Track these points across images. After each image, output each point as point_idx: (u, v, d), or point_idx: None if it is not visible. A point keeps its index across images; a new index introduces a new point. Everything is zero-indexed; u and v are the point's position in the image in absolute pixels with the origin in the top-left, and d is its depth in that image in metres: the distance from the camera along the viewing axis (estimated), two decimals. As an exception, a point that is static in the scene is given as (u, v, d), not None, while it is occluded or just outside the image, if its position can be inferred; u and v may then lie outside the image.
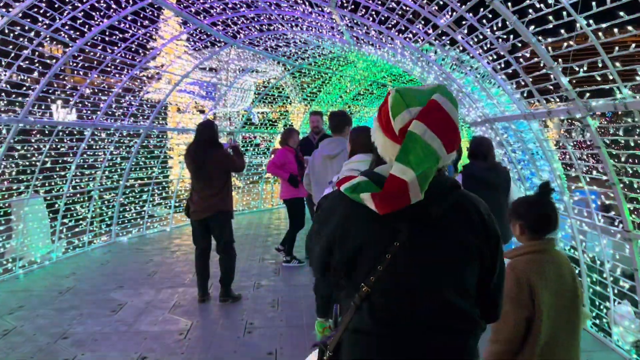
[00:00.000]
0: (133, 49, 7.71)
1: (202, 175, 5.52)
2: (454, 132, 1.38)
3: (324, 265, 1.54)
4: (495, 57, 5.05)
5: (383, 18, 6.04)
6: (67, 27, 6.28)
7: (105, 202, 9.65)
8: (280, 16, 8.23)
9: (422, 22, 5.51)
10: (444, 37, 5.48)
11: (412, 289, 1.38)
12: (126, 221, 10.00)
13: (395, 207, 1.32)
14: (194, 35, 8.56)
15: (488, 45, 4.81)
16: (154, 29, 7.72)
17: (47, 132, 7.78)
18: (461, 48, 5.36)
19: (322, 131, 7.65)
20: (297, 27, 8.91)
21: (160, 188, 11.50)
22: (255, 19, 8.53)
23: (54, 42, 6.45)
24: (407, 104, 1.37)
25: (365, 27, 6.98)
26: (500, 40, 4.61)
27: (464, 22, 4.79)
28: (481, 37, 4.81)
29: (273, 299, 6.01)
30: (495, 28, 4.45)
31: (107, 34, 7.00)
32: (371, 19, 6.23)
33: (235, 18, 8.33)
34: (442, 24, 5.13)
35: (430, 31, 5.56)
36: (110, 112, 8.55)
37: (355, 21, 6.72)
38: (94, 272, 7.38)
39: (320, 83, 13.67)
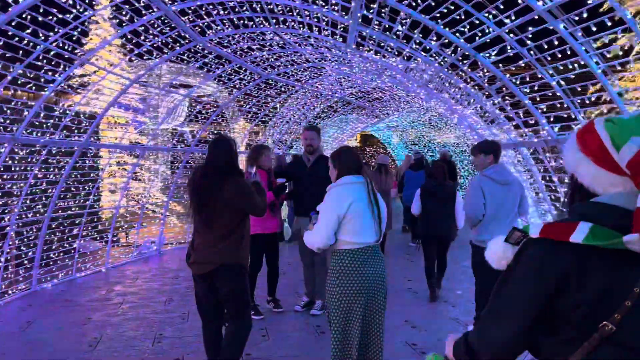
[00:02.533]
0: (74, 38, 5.69)
1: (207, 213, 3.81)
2: None
3: (531, 310, 1.35)
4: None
5: (433, 3, 4.58)
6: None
7: (25, 239, 7.37)
8: (269, 6, 6.57)
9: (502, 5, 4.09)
10: (530, 27, 4.09)
11: None
12: (51, 262, 7.74)
13: None
14: (155, 26, 6.65)
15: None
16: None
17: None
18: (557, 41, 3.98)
19: (319, 151, 6.05)
20: (285, 24, 7.28)
21: (96, 219, 9.29)
22: (236, 9, 6.78)
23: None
24: (629, 132, 1.28)
25: (389, 22, 5.50)
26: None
27: None
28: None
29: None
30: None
31: (41, 11, 4.97)
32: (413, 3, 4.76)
33: (211, 6, 6.54)
34: (540, 8, 3.73)
35: (507, 21, 4.15)
36: (37, 123, 6.40)
37: (382, 9, 5.22)
38: (9, 344, 5.19)
39: (286, 97, 12.04)
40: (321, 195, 5.90)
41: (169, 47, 7.46)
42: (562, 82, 4.35)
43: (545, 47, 4.09)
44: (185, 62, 8.29)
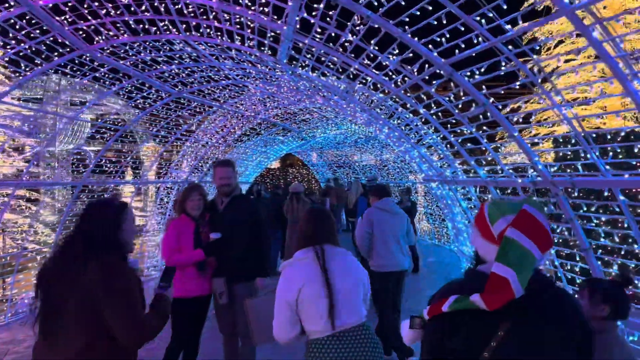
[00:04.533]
0: None
1: (48, 320, 2.30)
2: (546, 236, 1.60)
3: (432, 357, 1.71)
4: None
5: (403, 3, 3.34)
6: None
7: None
8: (177, 6, 5.06)
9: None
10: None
11: None
12: None
13: (503, 302, 1.51)
14: (18, 27, 4.89)
15: None
16: None
17: None
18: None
19: (235, 190, 4.78)
20: (198, 30, 5.77)
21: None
22: (132, 9, 5.18)
23: None
24: (502, 212, 1.65)
25: (337, 30, 4.21)
26: None
27: None
28: None
29: None
30: None
31: None
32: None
33: (97, 4, 4.90)
34: (568, 7, 2.60)
35: (508, 27, 2.98)
36: None
37: (330, 11, 3.92)
38: None
39: (201, 119, 10.41)
40: (239, 249, 4.52)
41: (43, 56, 5.68)
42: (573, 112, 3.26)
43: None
44: (69, 75, 6.50)
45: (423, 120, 5.13)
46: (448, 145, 5.37)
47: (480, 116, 4.30)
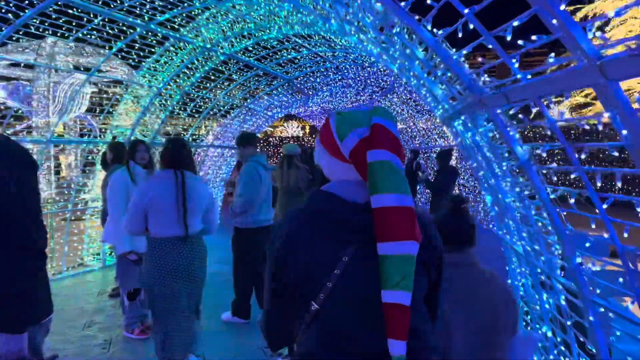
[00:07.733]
0: None
1: None
2: (400, 145, 1.39)
3: (273, 290, 1.50)
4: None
5: None
6: None
7: None
8: None
9: None
10: None
11: (360, 306, 1.36)
12: None
13: (414, 229, 1.33)
14: None
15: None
16: None
17: None
18: None
19: None
20: None
21: None
22: None
23: None
24: (352, 125, 1.40)
25: None
26: None
27: None
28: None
29: None
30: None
31: None
32: None
33: None
34: None
35: None
36: None
37: None
38: None
39: (123, 48, 7.21)
40: None
41: None
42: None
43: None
44: None
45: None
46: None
47: None
